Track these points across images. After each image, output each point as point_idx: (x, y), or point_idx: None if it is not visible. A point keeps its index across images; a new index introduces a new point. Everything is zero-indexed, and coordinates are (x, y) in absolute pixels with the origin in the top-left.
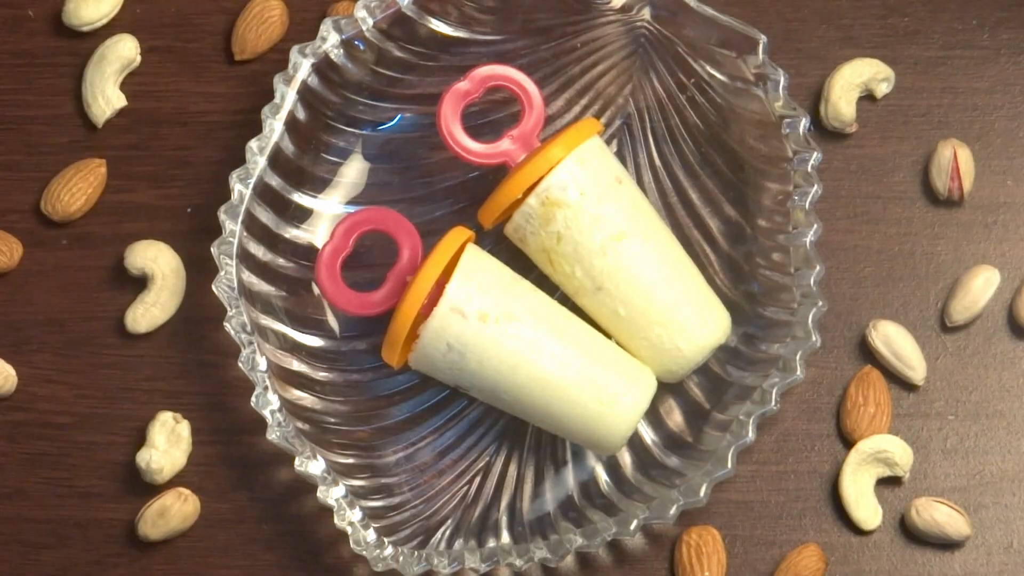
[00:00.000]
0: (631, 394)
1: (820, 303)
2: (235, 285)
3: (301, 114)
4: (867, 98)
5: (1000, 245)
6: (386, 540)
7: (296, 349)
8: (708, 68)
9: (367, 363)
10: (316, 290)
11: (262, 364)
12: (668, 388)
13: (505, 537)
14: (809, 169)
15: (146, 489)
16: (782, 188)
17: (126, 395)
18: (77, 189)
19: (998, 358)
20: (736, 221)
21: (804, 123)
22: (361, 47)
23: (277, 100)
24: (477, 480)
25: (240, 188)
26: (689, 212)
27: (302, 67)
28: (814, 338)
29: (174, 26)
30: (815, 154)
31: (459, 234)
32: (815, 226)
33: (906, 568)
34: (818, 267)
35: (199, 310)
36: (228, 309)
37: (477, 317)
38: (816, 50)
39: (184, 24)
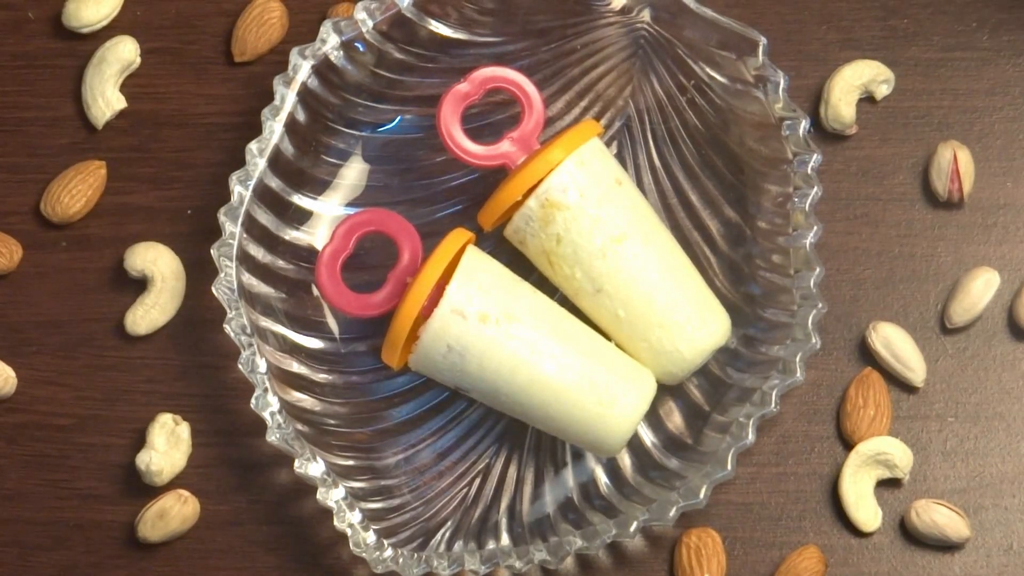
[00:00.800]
0: (631, 396)
1: (820, 305)
2: (235, 287)
3: (301, 116)
4: (867, 100)
5: (1000, 247)
6: (386, 542)
7: (296, 351)
8: (708, 70)
9: (367, 365)
10: (316, 292)
11: (262, 366)
12: (668, 390)
13: (505, 539)
14: (809, 171)
15: (146, 491)
16: (782, 190)
17: (126, 397)
18: (77, 191)
19: (998, 360)
20: (736, 223)
21: (804, 125)
22: (361, 49)
23: (277, 102)
24: (477, 482)
25: (240, 190)
26: (689, 214)
27: (302, 69)
28: (814, 340)
29: (174, 28)
30: (815, 156)
31: (459, 235)
32: (815, 228)
33: (906, 570)
34: (818, 269)
35: (199, 312)
36: (228, 311)
37: (478, 318)
38: (816, 52)
39: (184, 26)
